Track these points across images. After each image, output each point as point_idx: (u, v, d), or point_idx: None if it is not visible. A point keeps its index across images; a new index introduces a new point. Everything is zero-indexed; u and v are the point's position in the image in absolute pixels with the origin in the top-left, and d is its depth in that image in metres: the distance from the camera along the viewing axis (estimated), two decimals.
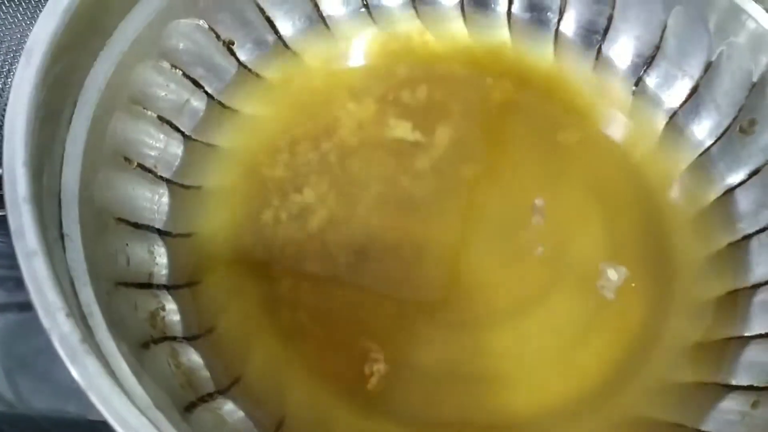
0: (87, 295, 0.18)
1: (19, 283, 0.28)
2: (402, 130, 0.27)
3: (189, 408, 0.18)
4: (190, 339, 0.20)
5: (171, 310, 0.21)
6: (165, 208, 0.23)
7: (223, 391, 0.20)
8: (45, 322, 0.15)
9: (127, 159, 0.22)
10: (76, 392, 0.25)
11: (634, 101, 0.28)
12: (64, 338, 0.15)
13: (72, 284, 0.18)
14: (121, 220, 0.21)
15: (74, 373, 0.15)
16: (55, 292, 0.15)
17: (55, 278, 0.16)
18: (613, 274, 0.24)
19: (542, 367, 0.23)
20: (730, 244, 0.25)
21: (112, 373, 0.15)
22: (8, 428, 0.25)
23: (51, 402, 0.25)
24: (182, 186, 0.24)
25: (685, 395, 0.22)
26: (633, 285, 0.24)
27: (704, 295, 0.24)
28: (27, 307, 0.28)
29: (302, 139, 0.26)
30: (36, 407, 0.25)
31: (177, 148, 0.24)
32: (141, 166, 0.23)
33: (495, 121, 0.28)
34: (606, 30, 0.28)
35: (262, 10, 0.27)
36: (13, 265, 0.30)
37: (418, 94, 0.28)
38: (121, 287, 0.20)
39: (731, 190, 0.26)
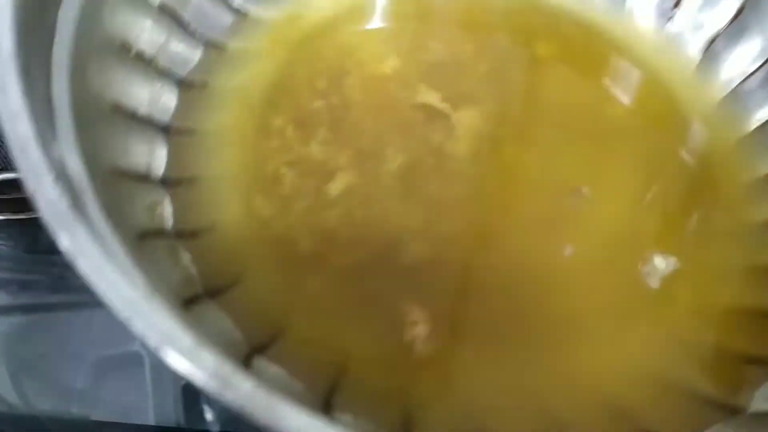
0: (78, 172, 0.16)
1: (23, 286, 0.27)
2: (424, 93, 0.25)
3: (188, 303, 0.17)
4: (186, 237, 0.19)
5: (169, 207, 0.19)
6: (166, 101, 0.21)
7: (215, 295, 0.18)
8: (30, 185, 0.13)
9: (125, 46, 0.20)
10: (79, 394, 0.24)
11: (670, 26, 0.26)
12: (50, 204, 0.13)
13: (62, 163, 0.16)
14: (117, 108, 0.19)
15: (62, 242, 0.13)
16: (42, 155, 0.14)
17: (42, 141, 0.14)
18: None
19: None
20: None
21: (105, 247, 0.13)
22: (12, 429, 0.25)
23: (55, 403, 0.25)
24: (185, 81, 0.22)
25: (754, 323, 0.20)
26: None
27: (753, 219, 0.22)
28: (31, 309, 0.27)
29: (308, 85, 0.24)
30: (40, 409, 0.25)
31: (179, 43, 0.22)
32: (140, 56, 0.21)
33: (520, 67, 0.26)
34: None
35: None
36: (17, 268, 0.28)
37: (437, 43, 0.26)
38: (116, 175, 0.18)
39: None
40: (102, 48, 0.19)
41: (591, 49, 0.26)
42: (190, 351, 0.12)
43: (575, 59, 0.26)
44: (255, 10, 0.25)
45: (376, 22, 0.27)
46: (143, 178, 0.19)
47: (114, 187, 0.17)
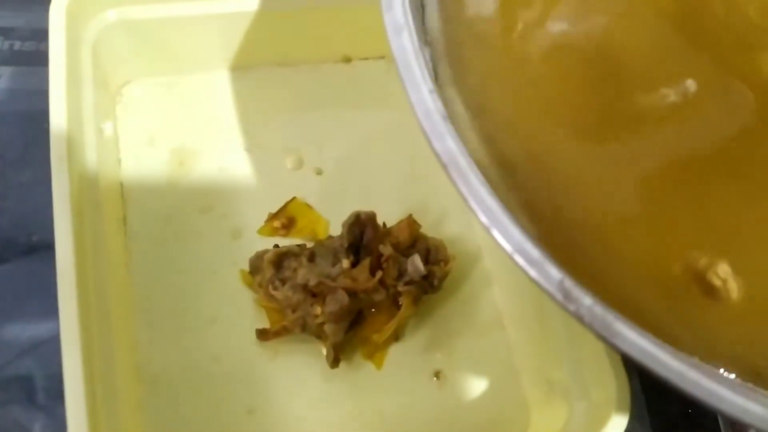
0: (451, 92, 0.18)
1: None
2: None
3: None
4: None
5: None
6: None
7: None
8: (411, 95, 0.16)
9: None
10: None
11: None
12: (428, 114, 0.16)
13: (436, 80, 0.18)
14: None
15: (435, 146, 0.16)
16: (419, 69, 0.17)
17: (420, 54, 0.17)
18: None
19: None
20: None
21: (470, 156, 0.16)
22: None
23: None
24: None
25: None
26: None
27: None
28: None
29: None
30: None
31: None
32: None
33: None
34: None
35: None
36: None
37: None
38: None
39: None
40: None
41: None
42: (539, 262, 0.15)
43: None
44: None
45: None
46: None
47: None
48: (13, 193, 0.32)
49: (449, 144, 0.17)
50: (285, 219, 0.32)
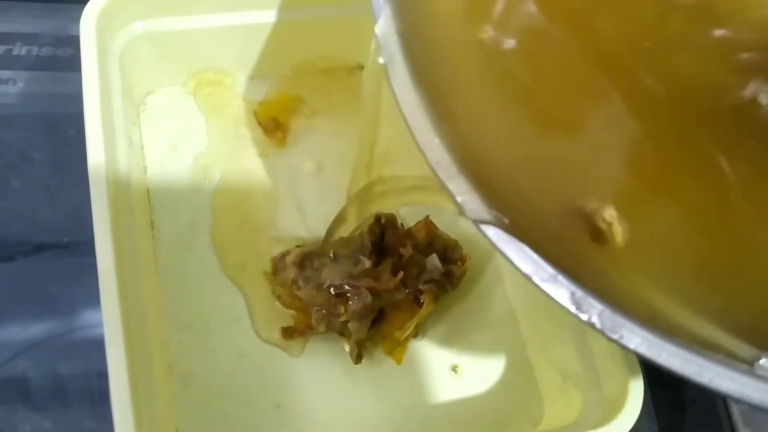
0: None
1: None
2: None
3: None
4: None
5: None
6: None
7: None
8: (420, 141, 0.18)
9: None
10: None
11: None
12: (437, 160, 0.18)
13: None
14: None
15: (451, 189, 0.18)
16: (427, 118, 0.18)
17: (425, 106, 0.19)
18: None
19: None
20: None
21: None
22: None
23: None
24: None
25: None
26: None
27: None
28: None
29: None
30: None
31: None
32: None
33: None
34: None
35: None
36: None
37: None
38: None
39: None
40: None
41: None
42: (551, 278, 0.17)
43: None
44: None
45: None
46: None
47: None
48: (14, 194, 0.33)
49: (462, 186, 0.18)
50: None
